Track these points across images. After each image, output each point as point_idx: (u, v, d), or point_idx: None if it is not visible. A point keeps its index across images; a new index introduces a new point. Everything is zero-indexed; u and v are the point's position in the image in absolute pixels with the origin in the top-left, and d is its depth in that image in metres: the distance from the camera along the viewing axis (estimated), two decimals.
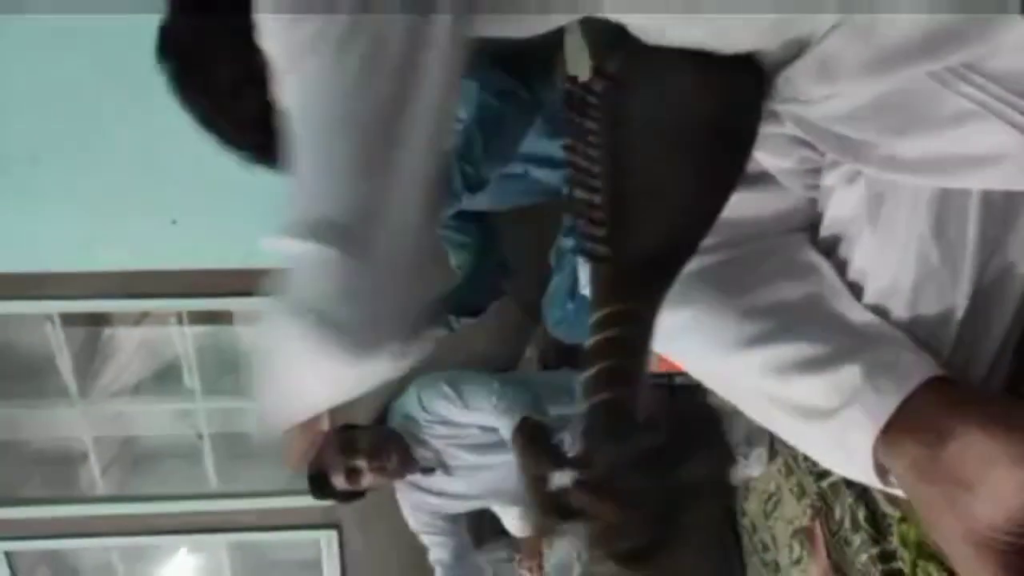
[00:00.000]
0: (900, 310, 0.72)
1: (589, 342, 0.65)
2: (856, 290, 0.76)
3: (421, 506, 2.44)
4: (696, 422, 0.56)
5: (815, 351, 0.70)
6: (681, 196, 0.68)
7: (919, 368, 0.67)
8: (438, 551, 2.46)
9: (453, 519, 2.47)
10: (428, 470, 2.35)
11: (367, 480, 2.25)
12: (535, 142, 1.80)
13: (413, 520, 2.49)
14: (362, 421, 2.43)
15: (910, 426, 0.64)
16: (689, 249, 0.69)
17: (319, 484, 2.28)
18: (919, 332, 0.70)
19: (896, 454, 0.65)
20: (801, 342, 0.71)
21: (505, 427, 2.12)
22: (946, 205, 0.68)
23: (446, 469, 2.35)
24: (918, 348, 0.69)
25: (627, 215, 0.69)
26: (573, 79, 0.68)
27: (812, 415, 0.70)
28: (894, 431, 0.65)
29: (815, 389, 0.70)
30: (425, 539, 2.49)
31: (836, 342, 0.71)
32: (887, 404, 0.65)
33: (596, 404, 0.59)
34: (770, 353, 0.72)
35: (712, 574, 1.42)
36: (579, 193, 0.69)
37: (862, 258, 0.75)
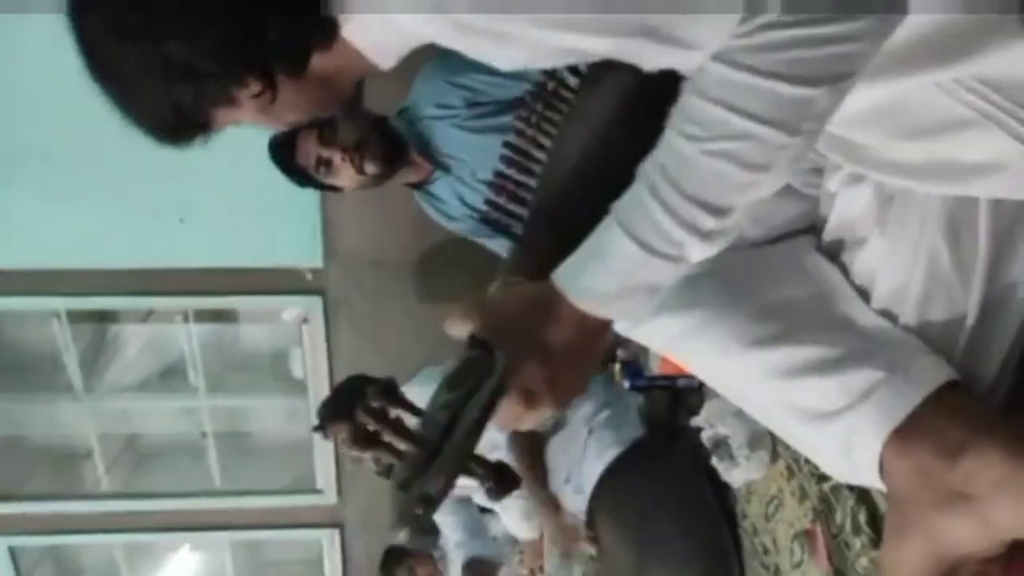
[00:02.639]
0: (908, 315, 0.72)
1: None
2: (862, 294, 0.76)
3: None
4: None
5: (825, 353, 0.71)
6: (603, 188, 0.68)
7: (936, 371, 0.67)
8: (449, 531, 2.46)
9: (458, 498, 2.47)
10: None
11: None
12: None
13: None
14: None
15: (925, 430, 0.65)
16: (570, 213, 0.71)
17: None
18: (927, 337, 0.71)
19: (904, 455, 0.65)
20: (810, 344, 0.71)
21: (501, 434, 2.13)
22: (958, 212, 0.69)
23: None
24: (932, 351, 0.69)
25: (546, 197, 0.71)
26: (550, 73, 0.71)
27: (818, 417, 0.70)
28: (907, 432, 0.65)
29: (823, 391, 0.70)
30: (437, 520, 2.50)
31: (846, 345, 0.71)
32: (905, 403, 0.66)
33: (456, 363, 0.62)
34: (778, 355, 0.72)
35: (708, 564, 1.42)
36: (513, 173, 0.72)
37: (869, 261, 0.75)
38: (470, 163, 1.85)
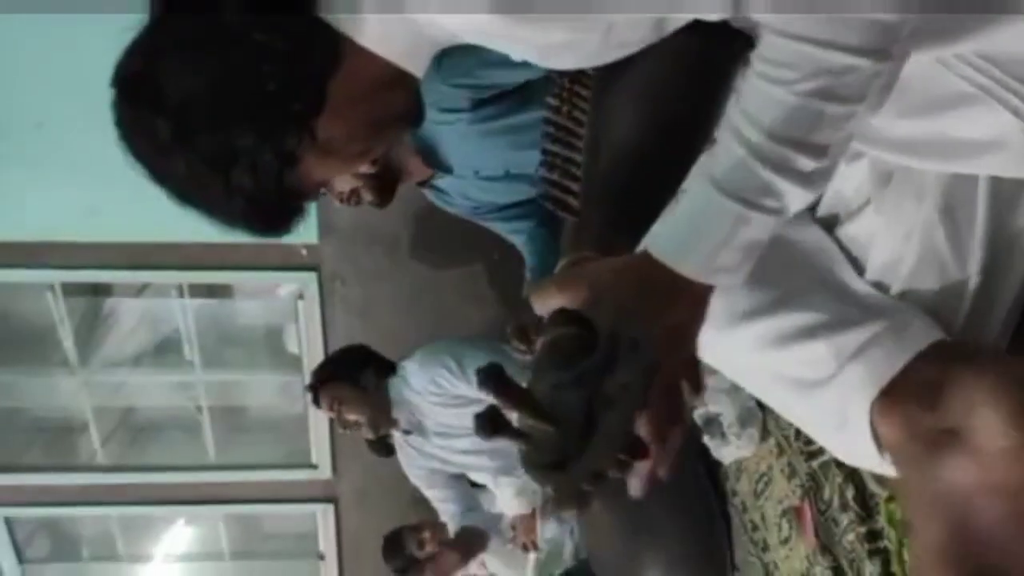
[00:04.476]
0: (901, 287, 0.72)
1: (540, 340, 0.65)
2: (856, 265, 0.76)
3: (414, 461, 2.48)
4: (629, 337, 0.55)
5: (817, 319, 0.71)
6: (652, 155, 0.68)
7: (926, 332, 0.68)
8: (445, 505, 2.50)
9: (451, 475, 2.51)
10: (407, 432, 2.40)
11: (347, 425, 2.36)
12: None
13: (411, 476, 2.54)
14: None
15: (911, 386, 0.65)
16: (654, 205, 0.68)
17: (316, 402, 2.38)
18: (920, 307, 0.71)
19: (892, 412, 0.66)
20: (803, 311, 0.72)
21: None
22: (955, 190, 0.69)
23: (423, 432, 2.38)
24: (924, 315, 0.70)
25: (599, 171, 0.70)
26: None
27: (811, 386, 0.71)
28: (895, 391, 0.66)
29: (816, 356, 0.70)
30: (429, 494, 2.53)
31: (840, 312, 0.71)
32: (892, 364, 0.66)
33: (548, 340, 0.59)
34: (770, 324, 0.73)
35: (701, 553, 1.44)
36: (558, 149, 0.71)
37: (863, 236, 0.76)
38: (474, 163, 1.88)
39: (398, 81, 0.69)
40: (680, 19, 0.63)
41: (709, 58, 0.65)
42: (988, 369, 0.62)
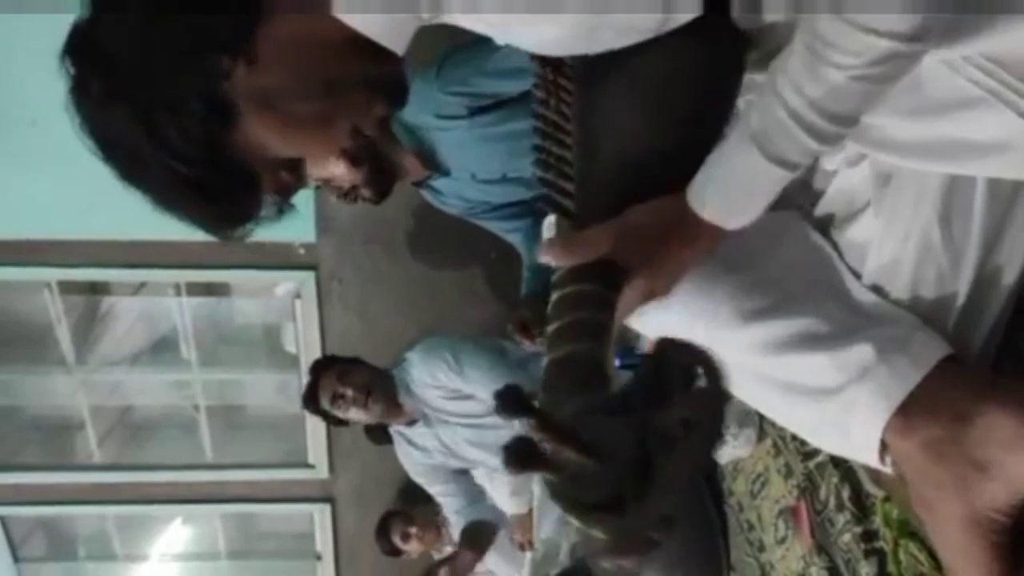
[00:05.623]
0: (898, 292, 0.72)
1: (553, 296, 0.65)
2: (853, 269, 0.76)
3: (414, 458, 2.48)
4: (682, 364, 0.49)
5: (818, 328, 0.70)
6: (649, 153, 0.68)
7: (933, 348, 0.67)
8: (449, 500, 2.51)
9: (452, 470, 2.51)
10: (412, 422, 2.40)
11: (350, 412, 2.31)
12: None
13: (413, 473, 2.54)
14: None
15: (927, 406, 0.65)
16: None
17: (310, 398, 2.34)
18: (916, 314, 0.71)
19: (909, 433, 0.65)
20: (801, 318, 0.71)
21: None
22: (953, 193, 0.68)
23: (428, 423, 2.38)
24: (927, 327, 0.69)
25: (595, 171, 0.69)
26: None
27: (811, 393, 0.70)
28: (909, 410, 0.65)
29: (817, 367, 0.70)
30: (432, 491, 2.54)
31: (840, 320, 0.71)
32: (904, 383, 0.66)
33: (561, 357, 0.57)
34: (767, 330, 0.72)
35: (697, 553, 1.43)
36: (550, 146, 0.69)
37: (861, 238, 0.75)
38: (472, 167, 1.89)
39: (363, 47, 0.66)
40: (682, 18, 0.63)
41: (714, 59, 0.67)
42: (1014, 399, 0.63)
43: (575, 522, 0.48)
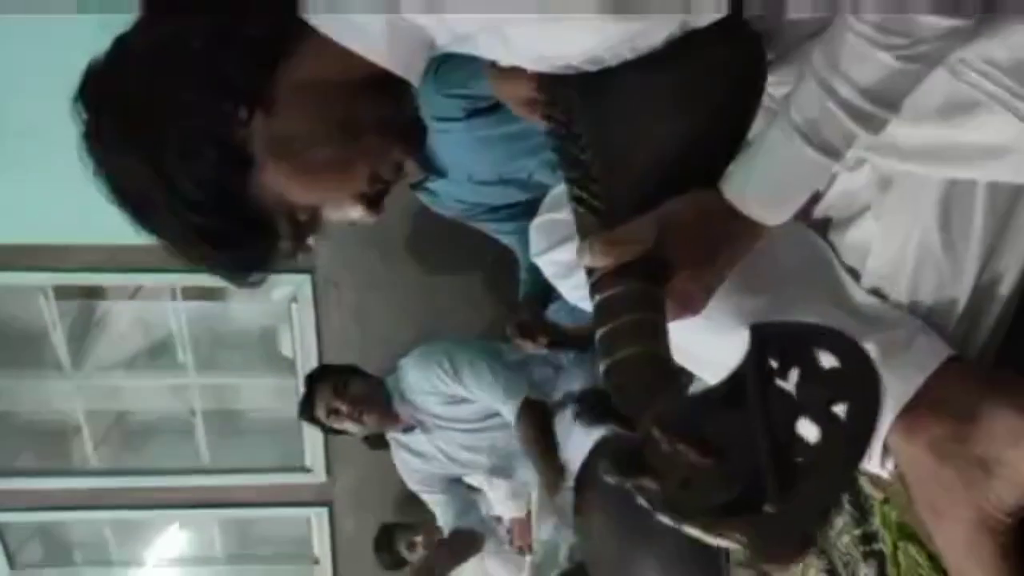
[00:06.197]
0: (898, 294, 0.72)
1: (599, 299, 0.62)
2: (853, 272, 0.76)
3: (410, 464, 2.48)
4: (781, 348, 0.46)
5: None
6: (674, 153, 0.67)
7: (935, 350, 0.67)
8: (441, 508, 2.50)
9: (448, 478, 2.50)
10: (409, 428, 2.40)
11: (345, 425, 2.32)
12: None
13: (408, 480, 2.53)
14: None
15: (932, 407, 0.64)
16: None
17: (306, 409, 2.35)
18: (917, 317, 0.71)
19: (914, 435, 0.65)
20: (801, 319, 0.71)
21: (508, 412, 2.17)
22: (953, 197, 0.68)
23: (425, 429, 2.38)
24: (928, 330, 0.69)
25: (621, 169, 0.68)
26: None
27: None
28: (913, 412, 0.65)
29: None
30: (426, 498, 2.53)
31: (841, 323, 0.70)
32: (908, 385, 0.65)
33: (626, 359, 0.53)
34: None
35: (696, 554, 1.43)
36: (569, 146, 0.68)
37: (860, 242, 0.75)
38: (468, 169, 1.89)
39: (379, 84, 0.65)
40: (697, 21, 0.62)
41: (736, 62, 0.66)
42: (1018, 395, 0.63)
43: (698, 533, 0.44)
